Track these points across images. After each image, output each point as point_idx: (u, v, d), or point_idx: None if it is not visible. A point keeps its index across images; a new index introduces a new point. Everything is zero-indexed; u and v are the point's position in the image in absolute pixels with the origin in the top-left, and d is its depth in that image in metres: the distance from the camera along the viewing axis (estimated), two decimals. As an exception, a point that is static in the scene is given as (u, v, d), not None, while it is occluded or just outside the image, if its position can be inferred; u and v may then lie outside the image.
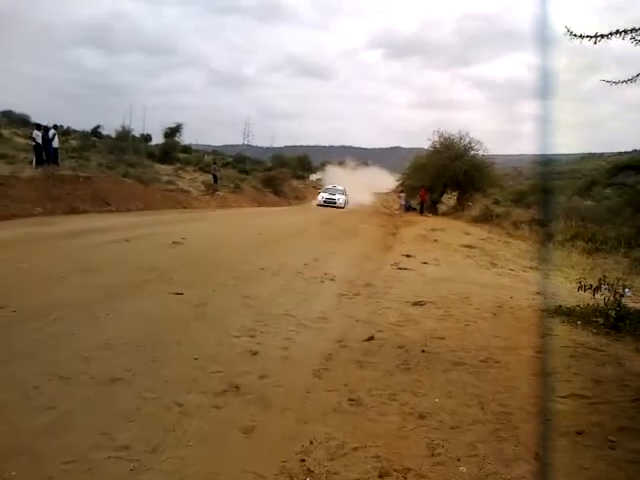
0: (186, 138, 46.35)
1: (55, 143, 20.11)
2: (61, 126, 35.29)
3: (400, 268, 9.45)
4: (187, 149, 44.10)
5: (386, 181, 42.34)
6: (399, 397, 3.69)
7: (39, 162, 18.98)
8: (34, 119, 31.80)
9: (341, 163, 58.32)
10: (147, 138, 43.62)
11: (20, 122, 37.33)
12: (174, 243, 9.79)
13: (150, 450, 2.84)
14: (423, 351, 4.67)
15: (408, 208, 31.92)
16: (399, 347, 4.78)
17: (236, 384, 3.75)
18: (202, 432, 3.08)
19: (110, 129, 40.73)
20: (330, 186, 38.64)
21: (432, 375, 4.12)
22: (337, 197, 35.27)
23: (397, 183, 36.08)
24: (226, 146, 75.16)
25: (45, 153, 19.40)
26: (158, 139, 43.76)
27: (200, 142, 60.85)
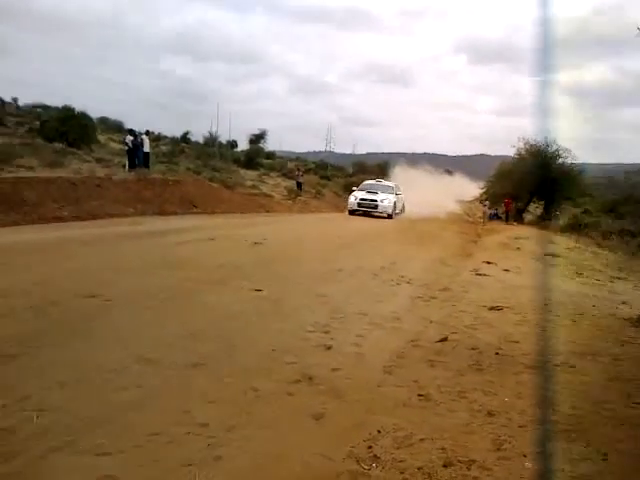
0: (270, 144, 47.38)
1: (146, 148, 21.28)
2: (153, 132, 36.97)
3: (479, 274, 9.34)
4: (271, 155, 45.04)
5: (470, 189, 40.80)
6: (469, 395, 3.72)
7: (132, 166, 20.12)
8: (128, 125, 33.65)
9: (413, 165, 43.08)
10: (233, 144, 45.04)
11: (115, 128, 39.49)
12: (255, 243, 10.13)
13: (226, 429, 3.02)
14: (497, 353, 4.66)
15: (493, 216, 31.24)
16: (472, 349, 4.79)
17: (309, 375, 3.90)
18: (275, 416, 3.24)
19: (198, 135, 42.47)
20: (372, 181, 26.87)
21: (504, 376, 4.12)
22: (380, 198, 23.34)
23: (481, 191, 35.03)
24: (309, 153, 76.00)
25: (137, 157, 20.54)
26: (243, 145, 45.03)
27: (284, 148, 62.01)
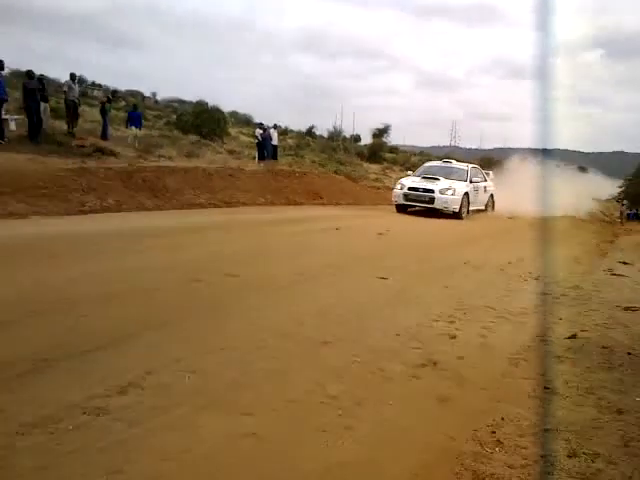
0: (393, 139, 47.30)
1: (274, 141, 22.26)
2: (280, 126, 38.23)
3: (614, 274, 8.87)
4: (394, 149, 44.94)
5: (606, 187, 38.18)
6: (597, 392, 3.65)
7: (261, 157, 21.12)
8: (256, 119, 35.12)
9: (541, 160, 30.78)
10: (357, 138, 45.46)
11: (244, 122, 41.35)
12: (379, 234, 10.32)
13: (355, 403, 3.22)
14: (629, 354, 4.49)
15: (632, 216, 29.28)
16: (603, 347, 4.64)
17: (434, 360, 4.00)
18: (401, 395, 3.39)
19: (323, 129, 43.44)
20: (437, 162, 19.76)
21: (636, 376, 3.98)
22: (439, 187, 15.82)
23: (619, 190, 32.84)
24: (433, 147, 74.85)
25: (266, 150, 21.53)
26: (367, 139, 45.33)
27: (407, 143, 61.68)
